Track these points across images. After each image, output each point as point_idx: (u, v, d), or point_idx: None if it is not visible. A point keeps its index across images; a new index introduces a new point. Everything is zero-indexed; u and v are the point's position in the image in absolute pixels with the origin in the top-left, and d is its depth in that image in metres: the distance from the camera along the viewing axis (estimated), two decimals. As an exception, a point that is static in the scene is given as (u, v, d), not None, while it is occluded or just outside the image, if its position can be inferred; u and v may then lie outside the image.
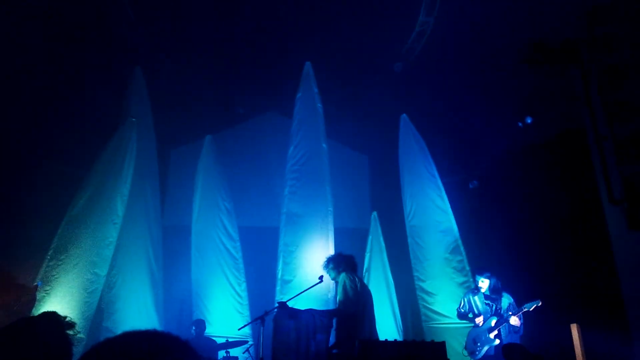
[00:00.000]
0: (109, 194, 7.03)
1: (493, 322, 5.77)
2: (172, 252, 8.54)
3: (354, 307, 4.91)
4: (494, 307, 5.89)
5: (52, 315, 1.60)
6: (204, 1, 7.86)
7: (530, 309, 5.52)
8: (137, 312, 7.45)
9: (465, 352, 5.92)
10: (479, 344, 5.76)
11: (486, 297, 5.97)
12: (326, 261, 5.52)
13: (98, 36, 7.72)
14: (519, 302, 5.81)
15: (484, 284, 5.96)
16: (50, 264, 6.50)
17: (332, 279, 5.49)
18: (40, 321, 1.57)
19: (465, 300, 6.17)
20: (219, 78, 9.13)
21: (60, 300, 6.26)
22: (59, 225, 6.70)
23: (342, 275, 5.18)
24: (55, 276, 6.47)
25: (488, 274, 5.97)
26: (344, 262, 5.38)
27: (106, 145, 7.29)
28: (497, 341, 5.63)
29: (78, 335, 1.63)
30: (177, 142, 9.87)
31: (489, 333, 5.72)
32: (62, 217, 6.76)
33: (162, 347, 1.00)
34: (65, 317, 1.60)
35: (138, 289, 7.57)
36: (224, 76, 9.13)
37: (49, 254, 6.54)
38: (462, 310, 6.17)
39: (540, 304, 5.48)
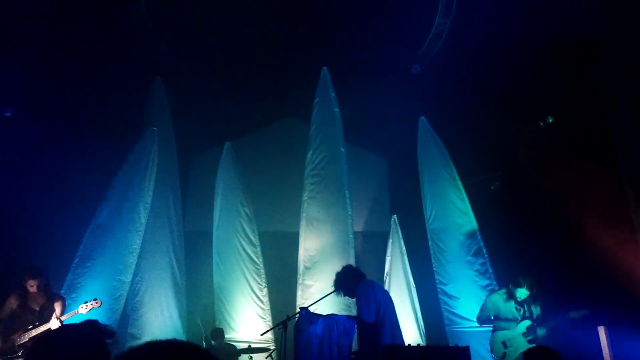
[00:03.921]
0: (133, 202, 7.18)
1: (526, 327, 5.64)
2: (194, 258, 8.64)
3: (374, 314, 4.86)
4: (521, 312, 5.74)
5: (93, 323, 1.65)
6: (221, 9, 7.95)
7: (577, 317, 5.36)
8: (162, 318, 7.56)
9: (494, 356, 5.78)
10: (510, 348, 5.61)
11: (516, 301, 5.79)
12: (336, 289, 5.28)
13: (118, 47, 7.87)
14: (550, 306, 5.66)
15: (522, 294, 5.67)
16: (77, 271, 6.67)
17: (346, 295, 5.38)
18: (81, 329, 1.62)
19: (490, 303, 5.94)
20: (236, 85, 9.22)
21: (86, 307, 6.40)
22: (85, 233, 6.86)
23: (359, 286, 5.12)
24: (82, 283, 6.64)
25: (528, 285, 5.64)
26: (350, 277, 5.27)
27: (128, 154, 7.43)
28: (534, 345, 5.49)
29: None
30: (197, 149, 9.99)
31: (525, 337, 5.59)
32: (88, 226, 6.91)
33: (184, 357, 1.01)
34: (106, 326, 1.65)
35: (162, 295, 7.68)
36: (242, 83, 9.22)
37: (75, 261, 6.71)
38: (486, 314, 5.91)
39: (588, 312, 5.31)
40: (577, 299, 5.67)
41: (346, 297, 5.43)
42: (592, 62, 5.79)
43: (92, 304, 5.31)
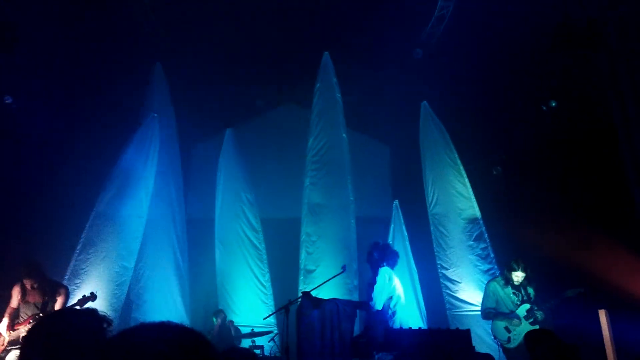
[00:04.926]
0: (134, 188, 7.19)
1: (526, 310, 5.68)
2: (197, 245, 8.68)
3: (381, 304, 4.93)
4: (519, 296, 5.77)
5: (92, 311, 1.67)
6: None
7: (573, 296, 5.41)
8: (165, 303, 7.63)
9: (497, 341, 5.81)
10: (514, 332, 5.64)
11: (512, 286, 5.84)
12: (374, 246, 5.40)
13: (119, 34, 7.82)
14: (550, 290, 5.69)
15: (518, 277, 5.74)
16: (80, 258, 6.71)
17: (368, 262, 5.43)
18: (80, 314, 1.64)
19: (490, 291, 5.93)
20: (237, 71, 9.16)
21: (90, 293, 6.45)
22: (87, 220, 6.89)
23: (382, 270, 5.15)
24: (85, 270, 6.69)
25: (523, 267, 5.72)
26: (389, 256, 5.32)
27: (130, 141, 7.42)
28: (537, 327, 5.52)
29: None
30: (198, 136, 9.98)
31: (526, 320, 5.64)
32: (90, 213, 6.94)
33: (177, 339, 1.01)
34: (105, 314, 1.66)
35: (165, 281, 7.74)
36: (243, 69, 9.16)
37: (78, 248, 6.75)
38: (488, 305, 5.87)
39: (583, 291, 5.37)
40: (577, 283, 5.68)
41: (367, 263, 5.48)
42: (596, 46, 5.72)
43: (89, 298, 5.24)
